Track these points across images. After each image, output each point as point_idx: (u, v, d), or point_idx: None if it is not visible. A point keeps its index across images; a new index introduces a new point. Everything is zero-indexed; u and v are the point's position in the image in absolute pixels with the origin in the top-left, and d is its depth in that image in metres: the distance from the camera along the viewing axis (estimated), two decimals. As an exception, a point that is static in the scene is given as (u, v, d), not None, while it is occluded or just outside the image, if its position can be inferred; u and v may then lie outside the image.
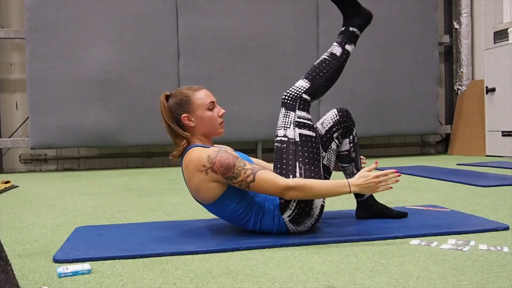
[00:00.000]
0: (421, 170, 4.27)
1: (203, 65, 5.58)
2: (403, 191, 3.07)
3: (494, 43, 6.08)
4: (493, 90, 5.82)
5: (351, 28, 2.07)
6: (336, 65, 2.02)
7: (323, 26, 5.90)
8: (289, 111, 1.93)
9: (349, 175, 2.10)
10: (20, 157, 5.74)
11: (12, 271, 0.90)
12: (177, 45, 5.52)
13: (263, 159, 5.95)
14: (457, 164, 4.83)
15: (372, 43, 6.07)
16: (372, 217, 2.11)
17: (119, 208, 2.68)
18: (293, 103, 1.94)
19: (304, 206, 1.81)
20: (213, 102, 1.86)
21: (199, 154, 1.75)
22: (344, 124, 2.05)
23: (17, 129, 5.66)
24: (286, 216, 1.81)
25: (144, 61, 5.42)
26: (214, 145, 1.95)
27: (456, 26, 6.60)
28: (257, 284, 1.31)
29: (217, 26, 5.60)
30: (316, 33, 5.91)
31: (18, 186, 3.89)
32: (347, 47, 2.06)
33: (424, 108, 6.32)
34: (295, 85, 1.99)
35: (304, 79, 2.00)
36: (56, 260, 1.57)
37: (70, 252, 1.65)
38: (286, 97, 1.96)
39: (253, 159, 2.06)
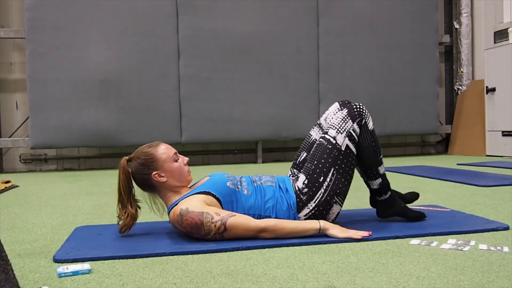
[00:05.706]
0: (421, 170, 4.27)
1: (203, 65, 5.58)
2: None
3: (494, 43, 6.08)
4: (493, 90, 5.82)
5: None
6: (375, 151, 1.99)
7: (323, 26, 5.90)
8: (349, 118, 1.92)
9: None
10: (20, 157, 5.74)
11: (12, 271, 0.90)
12: (177, 45, 5.52)
13: (263, 159, 5.98)
14: (457, 164, 4.83)
15: (372, 43, 6.07)
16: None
17: (119, 208, 2.67)
18: (356, 115, 1.93)
19: (322, 209, 1.85)
20: (175, 153, 1.91)
21: (175, 220, 1.77)
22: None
23: (17, 129, 5.66)
24: (302, 215, 1.85)
25: (144, 61, 5.42)
26: (204, 177, 1.97)
27: (456, 26, 6.60)
28: (257, 284, 1.31)
29: (217, 26, 5.60)
30: (316, 33, 5.91)
31: (18, 186, 3.89)
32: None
33: (424, 108, 6.32)
34: (365, 109, 1.97)
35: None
36: (56, 260, 1.57)
37: (70, 252, 1.65)
38: (355, 106, 1.94)
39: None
